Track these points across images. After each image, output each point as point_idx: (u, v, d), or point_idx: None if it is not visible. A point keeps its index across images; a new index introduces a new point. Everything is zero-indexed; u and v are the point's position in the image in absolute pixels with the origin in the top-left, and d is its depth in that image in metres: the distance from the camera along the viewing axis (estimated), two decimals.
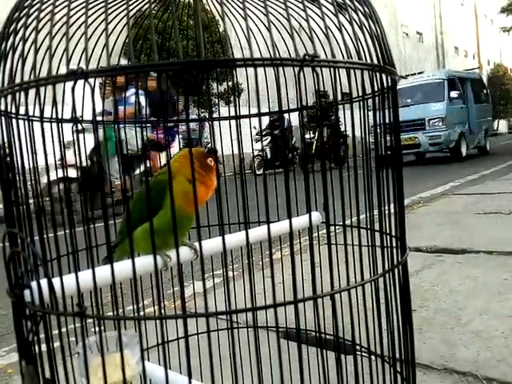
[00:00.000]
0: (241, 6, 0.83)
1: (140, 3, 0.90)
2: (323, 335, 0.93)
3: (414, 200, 5.06)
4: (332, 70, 0.55)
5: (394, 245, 0.72)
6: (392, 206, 0.74)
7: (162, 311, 1.21)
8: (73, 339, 0.96)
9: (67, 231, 0.81)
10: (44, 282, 0.54)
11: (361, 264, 0.63)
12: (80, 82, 0.46)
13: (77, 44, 0.57)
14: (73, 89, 0.46)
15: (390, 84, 0.67)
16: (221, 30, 0.66)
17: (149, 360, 1.01)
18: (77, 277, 0.53)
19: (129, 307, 2.11)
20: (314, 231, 1.06)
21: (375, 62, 0.63)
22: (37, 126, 0.61)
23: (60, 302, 0.59)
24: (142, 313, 2.07)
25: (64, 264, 0.78)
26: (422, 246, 2.95)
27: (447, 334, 1.68)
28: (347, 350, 0.93)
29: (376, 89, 0.67)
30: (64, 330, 0.64)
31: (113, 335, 0.73)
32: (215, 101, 10.99)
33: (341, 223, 0.84)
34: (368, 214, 0.79)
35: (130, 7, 0.89)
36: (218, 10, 0.93)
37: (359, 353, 0.90)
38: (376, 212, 0.75)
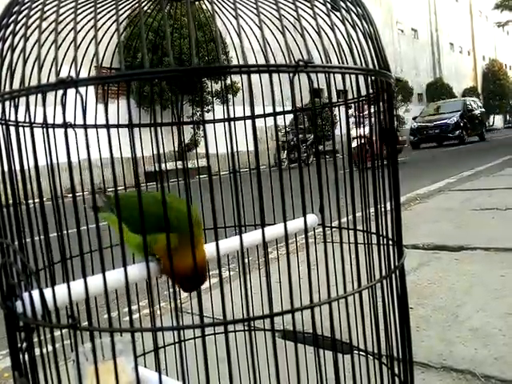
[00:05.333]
0: (232, 6, 0.83)
1: (132, 4, 0.89)
2: (320, 337, 0.93)
3: (411, 197, 5.06)
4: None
5: (391, 248, 0.71)
6: (388, 206, 0.73)
7: (156, 317, 1.21)
8: (68, 342, 0.95)
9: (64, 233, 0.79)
10: (36, 294, 0.54)
11: (357, 270, 0.62)
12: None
13: (67, 50, 0.56)
14: (62, 97, 0.45)
15: (385, 86, 0.67)
16: (216, 26, 0.65)
17: (145, 365, 1.00)
18: (69, 288, 0.52)
19: (125, 309, 2.11)
20: (311, 233, 1.05)
21: (370, 65, 0.62)
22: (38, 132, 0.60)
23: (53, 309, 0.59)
24: (137, 315, 2.04)
25: (57, 268, 0.77)
26: (418, 243, 2.96)
27: (445, 332, 1.68)
28: (344, 350, 0.93)
29: (371, 91, 0.67)
30: (58, 334, 0.63)
31: (109, 342, 0.72)
32: (210, 99, 10.97)
33: (337, 225, 0.84)
34: (364, 216, 0.79)
35: (124, 9, 0.88)
36: (209, 10, 0.92)
37: (356, 352, 0.90)
38: (372, 212, 0.75)
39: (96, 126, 0.85)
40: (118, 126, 0.90)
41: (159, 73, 0.44)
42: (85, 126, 0.53)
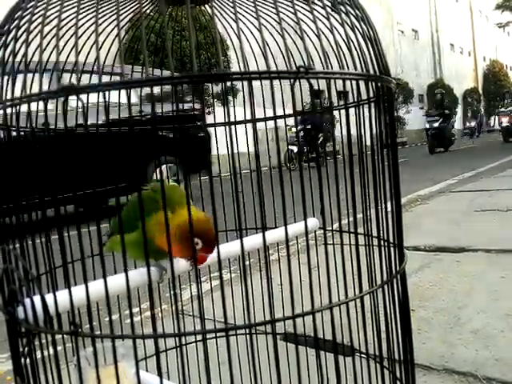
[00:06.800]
0: (232, 10, 0.83)
1: (133, 7, 0.89)
2: (321, 340, 0.93)
3: (412, 198, 5.06)
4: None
5: (392, 252, 0.71)
6: (389, 210, 0.73)
7: (158, 320, 1.21)
8: (69, 345, 0.95)
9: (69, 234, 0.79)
10: (37, 299, 0.54)
11: (359, 275, 0.62)
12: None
13: (68, 55, 0.56)
14: (64, 104, 0.45)
15: (385, 90, 0.67)
16: (216, 33, 0.65)
17: (147, 369, 1.00)
18: (70, 294, 0.52)
19: (126, 311, 2.11)
20: (311, 235, 1.05)
21: (370, 69, 0.62)
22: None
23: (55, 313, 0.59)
24: (138, 318, 2.03)
25: (58, 271, 0.77)
26: (420, 244, 2.95)
27: (446, 334, 1.68)
28: (346, 352, 0.93)
29: (371, 95, 0.67)
30: (59, 337, 0.63)
31: (110, 346, 0.72)
32: (210, 101, 10.98)
33: (338, 228, 0.84)
34: (365, 218, 0.79)
35: (125, 13, 0.88)
36: (209, 14, 0.92)
37: (358, 355, 0.90)
38: (373, 215, 0.75)
39: (97, 130, 0.85)
40: (119, 128, 0.90)
41: (160, 80, 0.44)
42: (86, 131, 0.53)
